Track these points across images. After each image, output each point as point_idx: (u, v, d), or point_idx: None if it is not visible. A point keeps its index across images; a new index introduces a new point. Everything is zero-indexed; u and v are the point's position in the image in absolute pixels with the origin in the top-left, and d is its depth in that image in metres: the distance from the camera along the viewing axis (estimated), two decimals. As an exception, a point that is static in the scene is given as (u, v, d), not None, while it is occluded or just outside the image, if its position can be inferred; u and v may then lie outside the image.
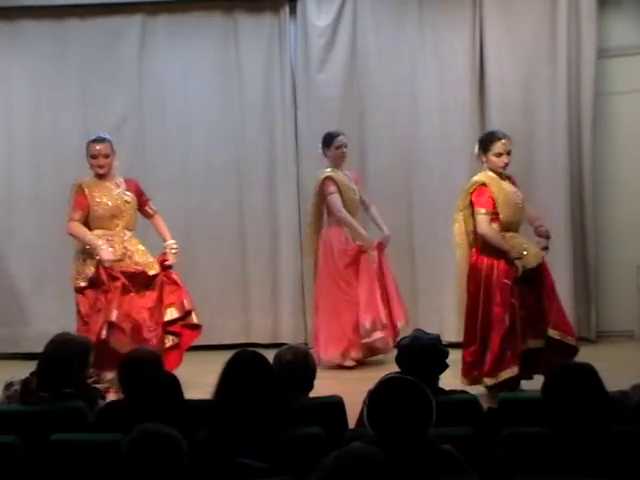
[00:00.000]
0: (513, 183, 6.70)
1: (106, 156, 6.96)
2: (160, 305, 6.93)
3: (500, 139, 6.62)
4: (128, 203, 7.03)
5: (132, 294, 6.80)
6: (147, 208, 7.26)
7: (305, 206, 8.80)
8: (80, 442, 3.76)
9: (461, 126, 8.66)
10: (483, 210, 6.46)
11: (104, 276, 6.74)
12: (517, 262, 6.38)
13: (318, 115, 8.80)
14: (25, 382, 4.48)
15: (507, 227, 6.53)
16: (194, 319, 7.09)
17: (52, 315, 8.21)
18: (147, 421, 2.93)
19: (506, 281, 6.35)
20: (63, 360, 4.46)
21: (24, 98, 8.89)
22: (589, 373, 3.38)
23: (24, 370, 4.62)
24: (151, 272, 6.92)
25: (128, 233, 7.02)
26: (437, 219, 8.24)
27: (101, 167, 6.95)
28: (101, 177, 7.00)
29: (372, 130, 8.84)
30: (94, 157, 6.96)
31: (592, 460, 3.23)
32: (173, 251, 7.08)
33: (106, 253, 6.75)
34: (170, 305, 6.98)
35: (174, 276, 7.04)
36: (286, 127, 8.90)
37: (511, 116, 8.69)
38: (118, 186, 7.05)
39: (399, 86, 8.83)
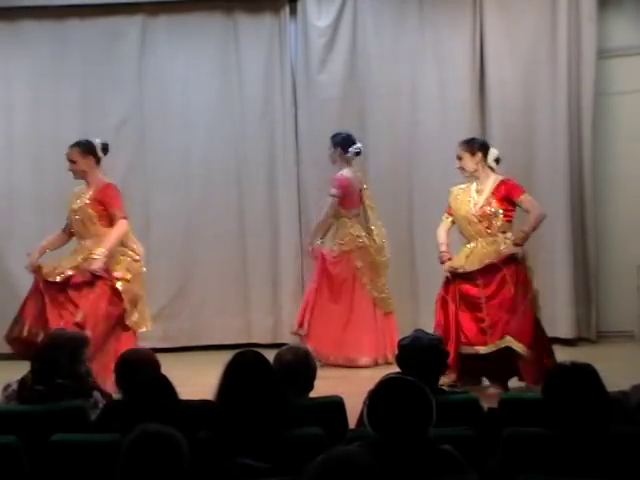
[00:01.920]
0: (504, 191, 6.68)
1: (72, 162, 6.85)
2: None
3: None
4: (80, 210, 6.85)
5: None
6: (113, 214, 6.84)
7: (305, 206, 8.84)
8: (80, 442, 3.76)
9: (461, 126, 8.66)
10: (445, 215, 6.90)
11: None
12: (443, 266, 6.71)
13: (318, 115, 8.81)
14: (22, 380, 4.54)
15: (464, 236, 6.79)
16: None
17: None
18: (147, 421, 2.93)
19: (441, 292, 6.75)
20: (53, 354, 4.53)
21: (24, 98, 8.90)
22: (589, 373, 3.38)
23: (24, 370, 4.64)
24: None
25: (82, 242, 6.88)
26: (437, 218, 8.22)
27: (71, 173, 6.93)
28: (84, 180, 6.93)
29: (372, 130, 8.85)
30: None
31: (592, 460, 3.23)
32: (94, 256, 6.71)
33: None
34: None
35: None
36: (286, 127, 8.90)
37: (511, 116, 8.71)
38: (87, 194, 6.88)
39: (399, 86, 8.85)
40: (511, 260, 6.57)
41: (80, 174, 6.89)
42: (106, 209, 6.81)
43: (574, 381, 3.34)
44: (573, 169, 8.68)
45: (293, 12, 8.96)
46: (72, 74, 8.91)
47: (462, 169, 6.69)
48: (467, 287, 6.62)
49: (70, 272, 6.71)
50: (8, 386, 4.55)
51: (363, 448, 3.12)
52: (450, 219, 6.82)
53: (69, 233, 7.03)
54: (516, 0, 8.78)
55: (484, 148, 6.72)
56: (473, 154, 6.65)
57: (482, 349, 6.52)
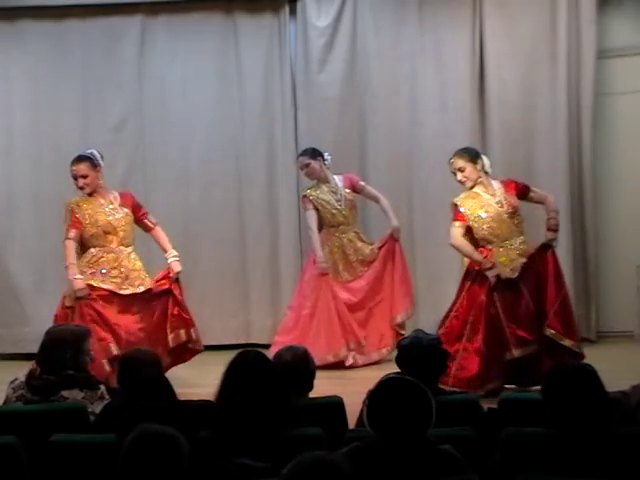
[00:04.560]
0: (514, 189, 6.66)
1: (84, 176, 6.85)
2: (162, 325, 6.88)
3: (450, 159, 6.70)
4: (123, 219, 6.94)
5: (124, 315, 6.79)
6: (146, 221, 7.13)
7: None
8: (80, 442, 3.76)
9: (461, 126, 8.67)
10: (457, 223, 6.59)
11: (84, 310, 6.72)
12: (488, 273, 6.42)
13: (318, 115, 8.81)
14: (30, 371, 4.58)
15: (486, 240, 6.58)
16: (200, 346, 7.11)
17: (52, 315, 8.20)
18: (147, 421, 2.93)
19: (482, 297, 6.45)
20: (57, 351, 4.57)
21: (24, 98, 8.90)
22: (589, 373, 3.37)
23: (24, 370, 4.65)
24: (140, 288, 6.88)
25: (125, 249, 6.94)
26: (437, 219, 8.24)
27: (82, 188, 6.89)
28: (91, 194, 6.92)
29: (372, 130, 8.84)
30: (74, 178, 6.90)
31: (592, 460, 3.23)
32: (175, 259, 7.00)
33: (77, 284, 6.72)
34: (176, 328, 6.92)
35: (179, 297, 6.94)
36: (286, 127, 8.90)
37: (511, 116, 8.71)
38: (112, 202, 6.96)
39: (399, 86, 8.84)
40: (546, 249, 6.55)
41: (92, 187, 6.90)
42: (137, 215, 7.04)
43: (574, 381, 3.33)
44: (573, 169, 8.68)
45: (293, 12, 8.96)
46: (72, 74, 8.91)
47: (465, 180, 6.61)
48: (510, 289, 6.46)
49: (147, 285, 6.90)
50: (15, 379, 4.59)
51: (359, 449, 3.14)
52: (464, 226, 6.59)
53: (76, 241, 6.96)
54: (516, 0, 8.78)
55: (480, 155, 6.73)
56: (475, 163, 6.62)
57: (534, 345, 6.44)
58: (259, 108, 8.96)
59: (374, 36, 8.83)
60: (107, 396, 4.55)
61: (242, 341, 8.57)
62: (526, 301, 6.45)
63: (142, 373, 4.03)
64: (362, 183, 8.11)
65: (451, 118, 8.70)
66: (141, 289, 6.88)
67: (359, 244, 8.03)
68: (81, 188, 6.90)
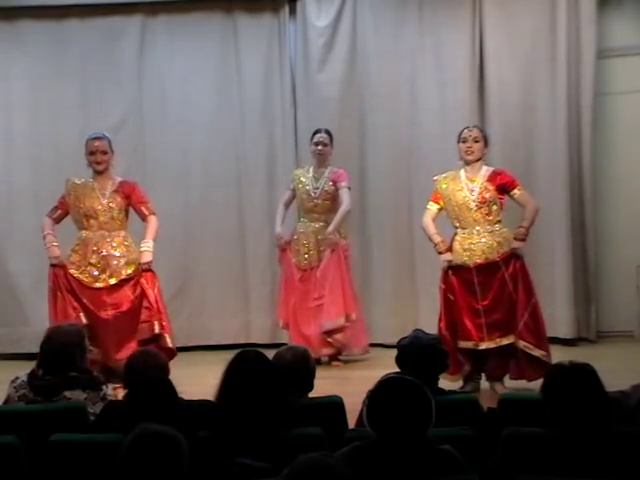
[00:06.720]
0: (498, 182, 6.70)
1: (104, 153, 6.94)
2: (132, 316, 6.84)
3: (467, 127, 6.85)
4: (107, 204, 6.93)
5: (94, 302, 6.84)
6: (142, 209, 7.04)
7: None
8: (80, 442, 3.75)
9: (461, 126, 8.59)
10: (430, 204, 6.85)
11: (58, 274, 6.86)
12: (441, 257, 6.70)
13: (318, 115, 8.81)
14: (32, 371, 4.57)
15: (455, 223, 6.75)
16: (167, 343, 6.82)
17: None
18: (147, 421, 2.92)
19: (441, 285, 6.75)
20: (69, 350, 4.55)
21: (24, 98, 8.91)
22: (589, 373, 3.37)
23: (24, 370, 4.65)
24: (112, 280, 6.89)
25: (106, 234, 6.93)
26: (437, 219, 8.24)
27: (99, 164, 6.93)
28: (99, 174, 6.96)
29: (372, 130, 8.85)
30: (92, 154, 6.93)
31: (592, 460, 3.23)
32: (146, 249, 6.90)
33: (53, 251, 6.89)
34: (143, 322, 6.85)
35: (147, 290, 6.88)
36: (286, 127, 8.90)
37: (511, 116, 8.71)
38: (105, 187, 6.97)
39: (399, 86, 8.85)
40: (512, 257, 6.60)
41: (105, 166, 6.97)
42: (130, 203, 7.01)
43: (573, 381, 3.33)
44: (572, 169, 8.68)
45: (292, 12, 8.97)
46: (72, 74, 8.92)
47: (473, 153, 6.68)
48: (465, 278, 6.64)
49: (113, 280, 6.87)
50: (17, 378, 4.57)
51: (359, 449, 3.13)
52: (436, 207, 6.84)
53: (56, 220, 7.10)
54: (516, 0, 8.78)
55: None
56: (486, 144, 6.78)
57: (481, 345, 6.56)
58: (259, 108, 8.96)
59: (374, 36, 8.84)
60: (109, 397, 4.55)
61: (242, 341, 8.57)
62: (475, 300, 6.59)
63: (146, 374, 4.03)
64: (342, 184, 7.92)
65: (451, 118, 8.68)
66: (112, 281, 6.87)
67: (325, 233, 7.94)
68: (98, 163, 6.94)
